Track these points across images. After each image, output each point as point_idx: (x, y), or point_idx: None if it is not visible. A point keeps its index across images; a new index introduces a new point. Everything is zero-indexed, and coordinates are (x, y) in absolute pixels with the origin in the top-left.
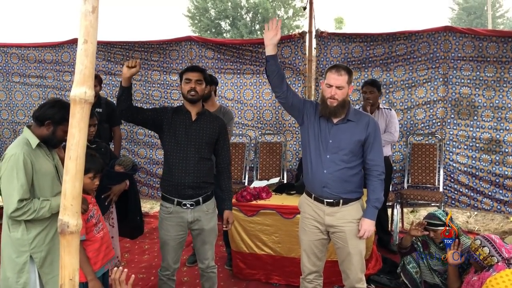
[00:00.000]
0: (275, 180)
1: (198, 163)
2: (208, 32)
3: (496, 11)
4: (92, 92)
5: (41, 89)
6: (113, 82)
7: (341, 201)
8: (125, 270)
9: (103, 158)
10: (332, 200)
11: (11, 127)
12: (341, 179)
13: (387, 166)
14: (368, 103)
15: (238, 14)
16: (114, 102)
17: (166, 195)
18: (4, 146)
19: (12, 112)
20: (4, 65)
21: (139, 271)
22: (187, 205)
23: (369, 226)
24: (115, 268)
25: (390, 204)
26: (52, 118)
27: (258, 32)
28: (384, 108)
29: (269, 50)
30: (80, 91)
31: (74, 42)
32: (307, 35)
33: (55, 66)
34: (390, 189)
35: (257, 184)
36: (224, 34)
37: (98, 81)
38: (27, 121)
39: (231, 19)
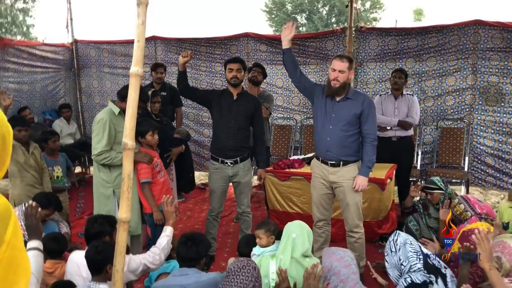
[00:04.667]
0: (310, 155)
1: (238, 132)
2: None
3: None
4: (141, 70)
5: (125, 78)
6: None
7: (341, 162)
8: (170, 196)
9: (165, 128)
10: (334, 162)
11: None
12: (341, 144)
13: (410, 144)
14: (396, 86)
15: (314, 8)
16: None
17: (213, 155)
18: None
19: (103, 97)
20: (98, 58)
21: (197, 223)
22: (228, 163)
23: (362, 181)
24: (164, 196)
25: (414, 180)
26: None
27: (334, 25)
28: (407, 94)
29: (285, 44)
30: (135, 69)
31: (151, 39)
32: (348, 30)
33: None
34: (418, 168)
35: (293, 157)
36: (300, 28)
37: (164, 68)
38: None
39: (307, 13)
